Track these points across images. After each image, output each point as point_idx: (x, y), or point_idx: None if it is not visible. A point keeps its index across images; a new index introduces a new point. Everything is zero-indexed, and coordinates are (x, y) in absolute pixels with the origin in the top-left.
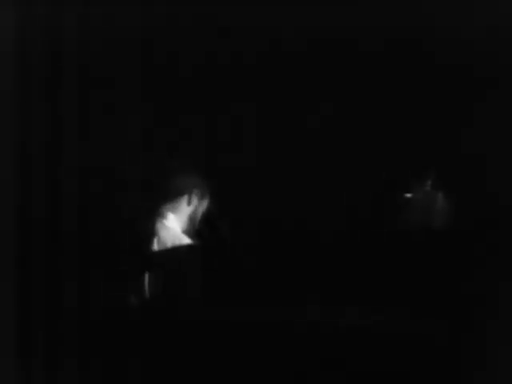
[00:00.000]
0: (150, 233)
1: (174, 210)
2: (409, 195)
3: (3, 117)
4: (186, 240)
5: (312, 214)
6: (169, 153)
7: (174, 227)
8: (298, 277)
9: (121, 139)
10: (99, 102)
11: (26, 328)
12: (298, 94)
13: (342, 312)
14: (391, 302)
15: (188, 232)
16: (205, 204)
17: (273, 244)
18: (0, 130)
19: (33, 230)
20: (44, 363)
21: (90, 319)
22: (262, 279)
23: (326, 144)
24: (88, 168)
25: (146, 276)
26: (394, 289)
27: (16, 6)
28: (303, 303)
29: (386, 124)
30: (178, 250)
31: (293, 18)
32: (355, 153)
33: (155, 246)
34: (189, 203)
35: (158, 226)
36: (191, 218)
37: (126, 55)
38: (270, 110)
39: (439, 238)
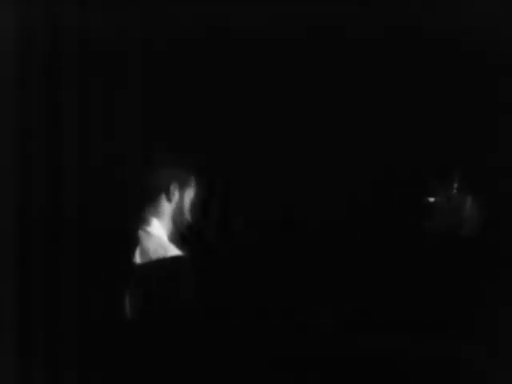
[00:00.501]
0: (134, 244)
1: (156, 214)
2: (433, 199)
3: (3, 117)
4: (172, 250)
5: (323, 216)
6: (146, 147)
7: (159, 234)
8: (299, 289)
9: (119, 138)
10: (99, 101)
11: (26, 328)
12: (305, 90)
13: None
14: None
15: (175, 237)
16: (189, 196)
17: (274, 249)
18: (0, 130)
19: (33, 230)
20: (44, 363)
21: (90, 319)
22: (259, 290)
23: (342, 143)
24: (87, 168)
25: (128, 292)
26: (416, 298)
27: (16, 6)
28: (302, 314)
29: (408, 121)
30: (163, 263)
31: (297, 18)
32: (373, 152)
33: (140, 258)
34: (169, 199)
35: (141, 234)
36: (176, 217)
37: (127, 55)
38: (274, 103)
39: (467, 247)
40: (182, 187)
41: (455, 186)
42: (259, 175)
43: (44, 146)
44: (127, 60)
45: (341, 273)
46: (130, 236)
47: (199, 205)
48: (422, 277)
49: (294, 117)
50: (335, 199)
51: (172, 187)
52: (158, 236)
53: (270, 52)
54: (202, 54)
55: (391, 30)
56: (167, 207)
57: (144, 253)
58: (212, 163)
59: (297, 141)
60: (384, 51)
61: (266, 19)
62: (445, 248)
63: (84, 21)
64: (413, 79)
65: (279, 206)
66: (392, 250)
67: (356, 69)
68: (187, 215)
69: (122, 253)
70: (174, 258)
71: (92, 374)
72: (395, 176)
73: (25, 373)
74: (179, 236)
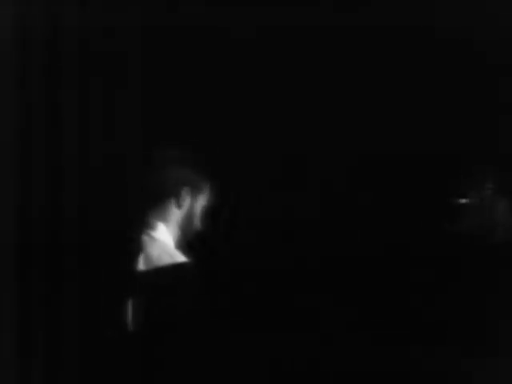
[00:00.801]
0: (136, 249)
1: (162, 218)
2: (465, 201)
3: (3, 117)
4: (179, 257)
5: (338, 224)
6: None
7: (164, 240)
8: (308, 298)
9: (122, 138)
10: (99, 101)
11: (26, 328)
12: (314, 93)
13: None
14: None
15: (183, 245)
16: (200, 204)
17: (282, 257)
18: (0, 130)
19: (33, 230)
20: (44, 363)
21: (91, 320)
22: (269, 302)
23: (361, 142)
24: (87, 168)
25: (130, 303)
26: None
27: (16, 5)
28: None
29: (438, 119)
30: (169, 271)
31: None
32: (404, 152)
33: (142, 265)
34: (178, 206)
35: (145, 239)
36: (184, 225)
37: (127, 55)
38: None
39: (499, 251)
40: (194, 193)
41: (488, 186)
42: (270, 184)
43: (44, 145)
44: (127, 60)
45: (363, 280)
46: (131, 238)
47: (210, 213)
48: (449, 284)
49: (305, 121)
50: (353, 203)
51: (183, 193)
52: (163, 241)
53: (274, 52)
54: (204, 54)
55: (400, 30)
56: (176, 213)
57: (147, 258)
58: (223, 170)
59: (313, 144)
60: (395, 53)
61: (266, 18)
62: (474, 253)
63: (84, 21)
64: (435, 79)
65: (290, 216)
66: (416, 254)
67: (371, 71)
68: (197, 223)
69: (123, 255)
70: (179, 265)
71: (92, 374)
72: (420, 176)
73: (25, 373)
74: (186, 243)
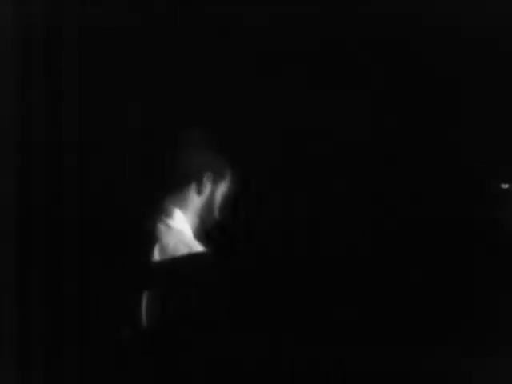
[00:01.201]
0: (150, 238)
1: (180, 205)
2: (506, 186)
3: (3, 117)
4: (197, 247)
5: (358, 219)
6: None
7: (181, 229)
8: (325, 294)
9: (121, 133)
10: (100, 101)
11: (25, 328)
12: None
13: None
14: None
15: (201, 234)
16: (222, 191)
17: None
18: (0, 131)
19: (33, 229)
20: (44, 363)
21: (91, 319)
22: (291, 298)
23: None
24: (89, 162)
25: (144, 297)
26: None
27: (15, 5)
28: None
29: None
30: (186, 261)
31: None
32: (439, 134)
33: (156, 256)
34: (199, 192)
35: (161, 227)
36: (204, 213)
37: (127, 55)
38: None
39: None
40: (216, 180)
41: None
42: (295, 173)
43: (44, 145)
44: (128, 60)
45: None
46: (143, 227)
47: (231, 201)
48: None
49: (329, 124)
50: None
51: (205, 179)
52: (180, 230)
53: (286, 52)
54: (210, 53)
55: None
56: (196, 200)
57: (162, 248)
58: (247, 157)
59: (338, 143)
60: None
61: (278, 6)
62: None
63: (84, 21)
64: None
65: (315, 207)
66: (456, 249)
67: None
68: (217, 212)
69: (135, 245)
70: (196, 255)
71: (92, 374)
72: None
73: (25, 373)
74: (204, 232)
